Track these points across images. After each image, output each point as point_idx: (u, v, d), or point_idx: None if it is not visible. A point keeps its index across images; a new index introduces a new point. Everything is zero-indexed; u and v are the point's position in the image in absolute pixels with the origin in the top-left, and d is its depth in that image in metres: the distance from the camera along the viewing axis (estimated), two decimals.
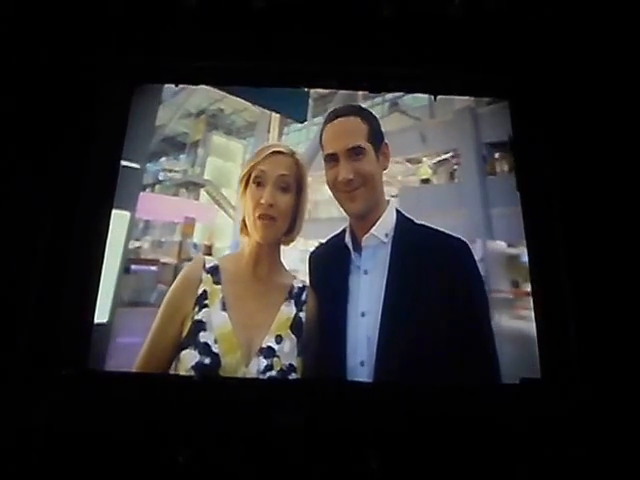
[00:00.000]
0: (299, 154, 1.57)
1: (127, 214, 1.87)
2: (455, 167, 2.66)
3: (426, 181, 2.76)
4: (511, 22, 1.85)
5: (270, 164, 1.50)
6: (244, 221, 1.52)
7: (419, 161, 2.79)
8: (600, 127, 1.71)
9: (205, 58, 1.89)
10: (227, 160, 3.10)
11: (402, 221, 1.58)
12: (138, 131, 1.90)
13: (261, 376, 1.42)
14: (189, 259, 1.74)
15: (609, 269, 1.60)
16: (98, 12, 1.83)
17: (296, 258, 1.74)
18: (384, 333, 1.44)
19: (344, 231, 1.64)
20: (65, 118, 1.74)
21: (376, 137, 1.58)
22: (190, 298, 1.46)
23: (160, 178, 2.94)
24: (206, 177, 3.06)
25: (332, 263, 1.62)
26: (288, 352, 1.46)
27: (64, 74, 1.77)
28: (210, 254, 2.41)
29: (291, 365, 1.45)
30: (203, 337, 1.40)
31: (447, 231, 1.55)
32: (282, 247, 1.60)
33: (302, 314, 1.53)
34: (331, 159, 1.57)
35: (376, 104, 2.58)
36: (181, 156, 3.15)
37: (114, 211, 1.77)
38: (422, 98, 2.56)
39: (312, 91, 2.46)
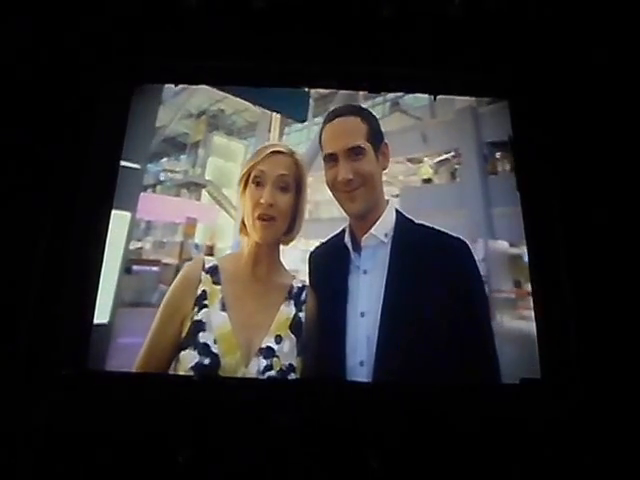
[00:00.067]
0: (298, 154, 1.57)
1: (127, 215, 1.87)
2: (456, 167, 2.65)
3: (427, 181, 2.76)
4: (511, 22, 1.84)
5: (269, 164, 1.50)
6: (243, 221, 1.52)
7: (420, 161, 2.78)
8: (600, 127, 1.70)
9: (205, 58, 1.89)
10: (228, 160, 3.10)
11: (402, 221, 1.58)
12: (138, 131, 1.90)
13: (261, 376, 1.42)
14: (190, 259, 1.74)
15: (609, 269, 1.59)
16: (98, 12, 1.83)
17: (297, 258, 1.74)
18: (383, 333, 1.44)
19: (344, 231, 1.64)
20: (65, 118, 1.74)
21: (376, 137, 1.58)
22: (189, 298, 1.46)
23: (161, 179, 2.94)
24: (207, 177, 3.06)
25: (332, 263, 1.61)
26: (287, 352, 1.46)
27: (64, 74, 1.77)
28: (212, 254, 2.41)
29: (291, 365, 1.45)
30: (202, 337, 1.40)
31: (447, 231, 1.55)
32: (283, 247, 1.60)
33: (301, 314, 1.53)
34: (330, 159, 1.56)
35: (377, 104, 2.58)
36: (182, 156, 3.15)
37: (115, 212, 1.77)
38: (423, 98, 2.54)
39: (313, 91, 2.46)
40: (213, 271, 1.51)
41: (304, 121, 2.67)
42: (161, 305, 1.47)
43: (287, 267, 1.62)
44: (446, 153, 2.70)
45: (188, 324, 1.43)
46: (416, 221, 1.59)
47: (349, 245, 1.59)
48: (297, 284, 1.57)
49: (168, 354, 1.42)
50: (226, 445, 1.50)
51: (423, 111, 2.75)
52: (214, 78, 2.02)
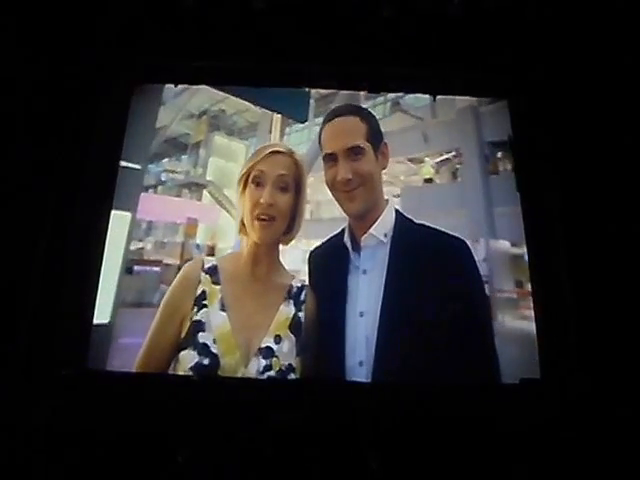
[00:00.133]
0: (298, 154, 1.57)
1: (128, 215, 1.87)
2: (457, 166, 2.65)
3: (429, 181, 2.76)
4: (511, 21, 1.84)
5: (269, 164, 1.50)
6: (242, 221, 1.52)
7: (421, 161, 2.79)
8: (600, 127, 1.69)
9: (205, 58, 1.89)
10: (229, 160, 3.11)
11: (401, 221, 1.57)
12: (139, 132, 1.90)
13: (260, 376, 1.41)
14: (192, 260, 1.74)
15: (609, 269, 1.59)
16: (98, 12, 1.84)
17: (298, 258, 1.75)
18: (383, 333, 1.43)
19: (343, 231, 1.64)
20: (65, 118, 1.75)
21: (375, 137, 1.57)
22: (189, 298, 1.46)
23: (162, 179, 2.95)
24: (208, 178, 3.07)
25: (331, 263, 1.61)
26: (287, 352, 1.46)
27: (64, 74, 1.78)
28: (213, 254, 2.42)
29: (290, 365, 1.45)
30: (202, 337, 1.40)
31: (447, 230, 1.54)
32: (284, 247, 1.60)
33: (301, 314, 1.53)
34: (330, 159, 1.56)
35: (378, 104, 2.59)
36: (183, 157, 3.16)
37: (115, 212, 1.77)
38: (424, 98, 2.54)
39: (313, 91, 2.47)
40: (212, 271, 1.51)
41: (305, 121, 2.67)
42: (160, 305, 1.46)
43: (288, 267, 1.62)
44: (447, 153, 2.70)
45: (187, 324, 1.42)
46: (416, 221, 1.59)
47: (348, 245, 1.59)
48: (296, 284, 1.57)
49: (167, 354, 1.42)
50: (225, 445, 1.49)
51: (424, 111, 2.75)
52: (214, 78, 2.02)
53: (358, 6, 1.88)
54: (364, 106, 1.79)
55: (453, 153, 2.66)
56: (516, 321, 1.77)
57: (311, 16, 1.89)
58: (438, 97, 2.03)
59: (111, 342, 1.72)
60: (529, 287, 1.71)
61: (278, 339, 1.46)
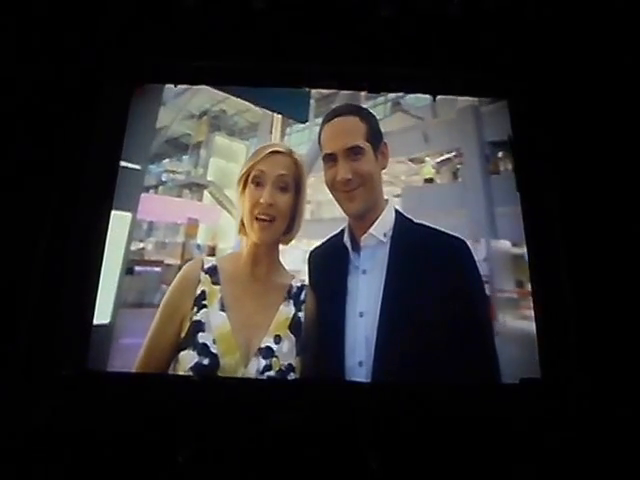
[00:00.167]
0: (297, 153, 1.57)
1: (128, 215, 1.87)
2: (458, 166, 2.64)
3: (429, 181, 2.75)
4: (511, 21, 1.84)
5: (269, 164, 1.50)
6: (242, 221, 1.52)
7: (422, 161, 2.78)
8: (600, 127, 1.70)
9: (205, 58, 1.90)
10: (230, 161, 3.10)
11: (401, 221, 1.57)
12: (139, 132, 1.90)
13: (260, 376, 1.42)
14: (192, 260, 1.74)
15: (609, 269, 1.59)
16: (98, 12, 1.84)
17: (299, 258, 1.74)
18: (382, 333, 1.43)
19: (343, 231, 1.64)
20: (65, 118, 1.75)
21: (375, 136, 1.57)
22: (188, 298, 1.46)
23: (163, 179, 2.95)
24: (209, 178, 3.06)
25: (331, 263, 1.61)
26: (287, 352, 1.46)
27: (64, 74, 1.78)
28: (214, 255, 2.41)
29: (290, 365, 1.45)
30: (202, 338, 1.40)
31: (446, 230, 1.54)
32: (286, 247, 1.60)
33: (301, 314, 1.53)
34: (329, 159, 1.56)
35: (378, 104, 2.57)
36: (184, 157, 3.15)
37: (115, 212, 1.77)
38: (424, 97, 2.53)
39: (314, 91, 2.45)
40: (212, 271, 1.51)
41: (306, 121, 2.66)
42: (160, 305, 1.47)
43: (289, 267, 1.62)
44: (448, 153, 2.69)
45: (187, 324, 1.43)
46: (415, 221, 1.59)
47: (348, 245, 1.59)
48: (296, 284, 1.57)
49: (167, 354, 1.42)
50: (225, 445, 1.49)
51: (425, 111, 2.74)
52: (214, 78, 2.02)
53: (358, 6, 1.88)
54: (364, 106, 1.79)
55: (454, 153, 2.65)
56: (517, 321, 1.76)
57: (311, 16, 1.89)
58: (438, 97, 2.03)
59: (112, 342, 1.72)
60: (530, 287, 1.71)
61: (278, 339, 1.46)
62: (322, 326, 1.54)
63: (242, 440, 1.50)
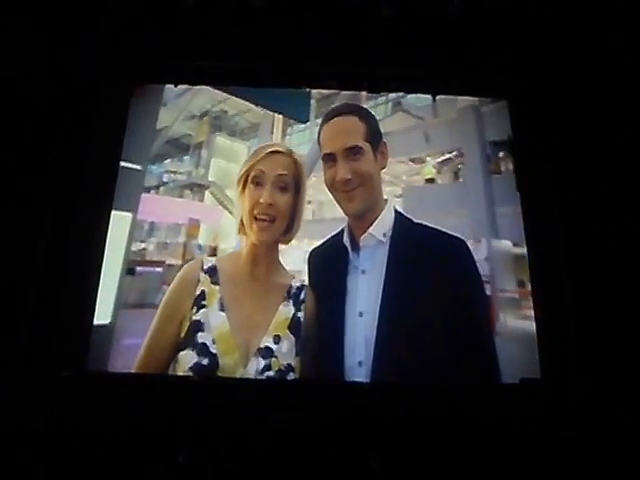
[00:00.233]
0: (297, 153, 1.57)
1: (129, 215, 1.87)
2: (459, 166, 2.64)
3: (430, 181, 2.75)
4: (510, 21, 1.84)
5: (269, 164, 1.50)
6: (242, 221, 1.52)
7: (423, 161, 2.78)
8: (600, 126, 1.69)
9: (205, 58, 1.90)
10: (231, 161, 3.11)
11: (400, 220, 1.57)
12: (139, 133, 1.91)
13: (259, 376, 1.41)
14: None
15: (609, 269, 1.59)
16: (97, 12, 1.84)
17: (299, 258, 1.74)
18: (382, 333, 1.43)
19: (342, 231, 1.63)
20: (65, 118, 1.76)
21: (374, 136, 1.57)
22: (188, 299, 1.46)
23: (164, 180, 2.96)
24: (210, 178, 3.07)
25: (330, 263, 1.61)
26: (286, 352, 1.46)
27: (64, 74, 1.79)
28: (215, 255, 2.41)
29: (289, 365, 1.45)
30: (201, 338, 1.40)
31: (446, 230, 1.53)
32: (286, 247, 1.60)
33: (300, 314, 1.53)
34: (329, 159, 1.55)
35: (379, 104, 2.58)
36: (185, 158, 3.17)
37: (116, 212, 1.78)
38: (425, 97, 2.53)
39: (315, 91, 2.45)
40: (212, 271, 1.51)
41: (306, 122, 2.66)
42: (160, 305, 1.47)
43: (289, 267, 1.62)
44: (449, 153, 2.69)
45: (187, 324, 1.43)
46: (415, 220, 1.58)
47: (348, 245, 1.58)
48: (296, 284, 1.57)
49: (167, 355, 1.42)
50: (225, 445, 1.49)
51: (425, 111, 2.74)
52: (214, 78, 2.03)
53: (358, 6, 1.88)
54: (365, 106, 1.79)
55: (455, 153, 2.65)
56: (518, 321, 1.76)
57: (311, 16, 1.89)
58: (439, 97, 2.03)
59: (112, 343, 1.72)
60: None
61: (277, 339, 1.46)
62: (321, 326, 1.53)
63: (242, 440, 1.50)
